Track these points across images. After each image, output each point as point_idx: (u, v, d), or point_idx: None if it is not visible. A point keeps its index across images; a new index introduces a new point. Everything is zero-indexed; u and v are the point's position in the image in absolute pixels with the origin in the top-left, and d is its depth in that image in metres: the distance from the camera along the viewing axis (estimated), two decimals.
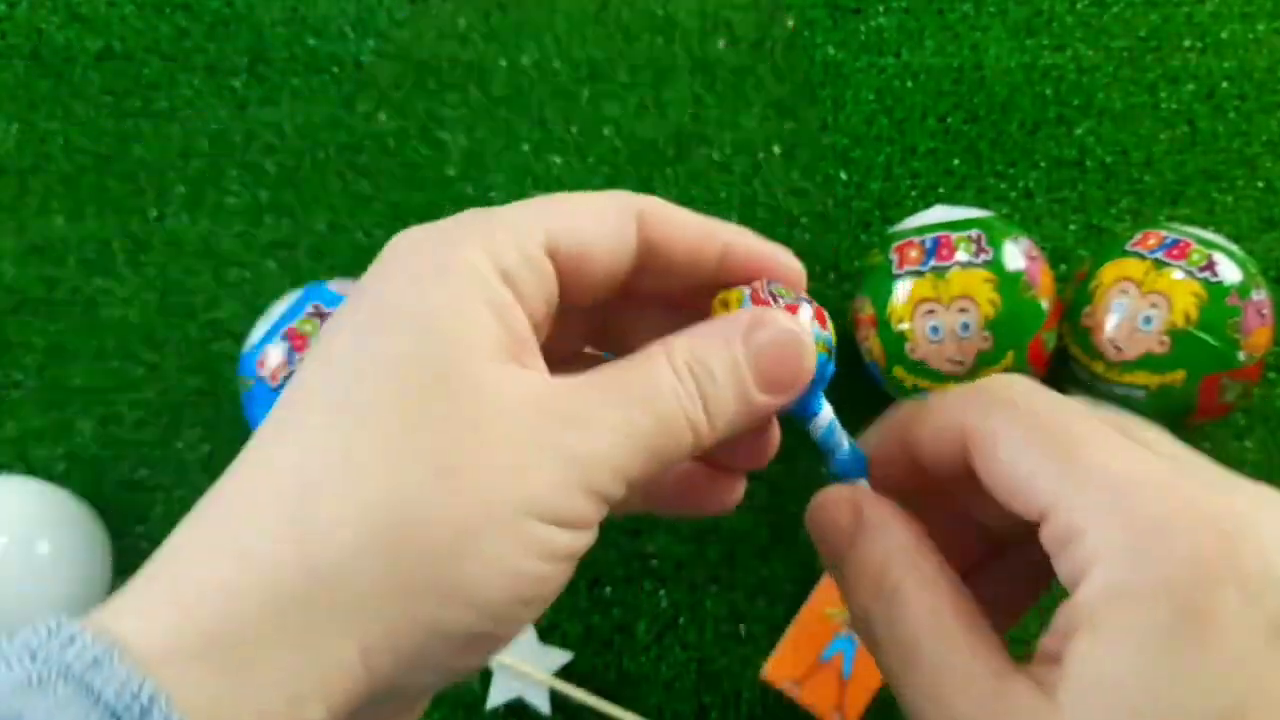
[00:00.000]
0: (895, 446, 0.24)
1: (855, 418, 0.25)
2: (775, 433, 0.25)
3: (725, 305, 0.23)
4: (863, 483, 0.24)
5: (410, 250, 0.21)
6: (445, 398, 0.19)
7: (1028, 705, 0.19)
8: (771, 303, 0.22)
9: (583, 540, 0.20)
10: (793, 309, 0.22)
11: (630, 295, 0.24)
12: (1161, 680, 0.18)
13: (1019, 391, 0.22)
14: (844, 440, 0.24)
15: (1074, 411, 0.21)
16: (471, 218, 0.21)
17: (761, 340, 0.21)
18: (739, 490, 0.26)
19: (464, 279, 0.20)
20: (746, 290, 0.23)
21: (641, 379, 0.21)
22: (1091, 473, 0.19)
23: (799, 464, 0.49)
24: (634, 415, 0.20)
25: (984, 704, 0.19)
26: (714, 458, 0.24)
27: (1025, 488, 0.20)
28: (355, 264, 0.55)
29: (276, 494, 0.18)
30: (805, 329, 0.22)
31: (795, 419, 0.24)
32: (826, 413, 0.24)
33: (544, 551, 0.19)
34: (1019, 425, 0.21)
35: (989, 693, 0.19)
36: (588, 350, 0.26)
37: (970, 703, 0.20)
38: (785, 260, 0.24)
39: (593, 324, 0.26)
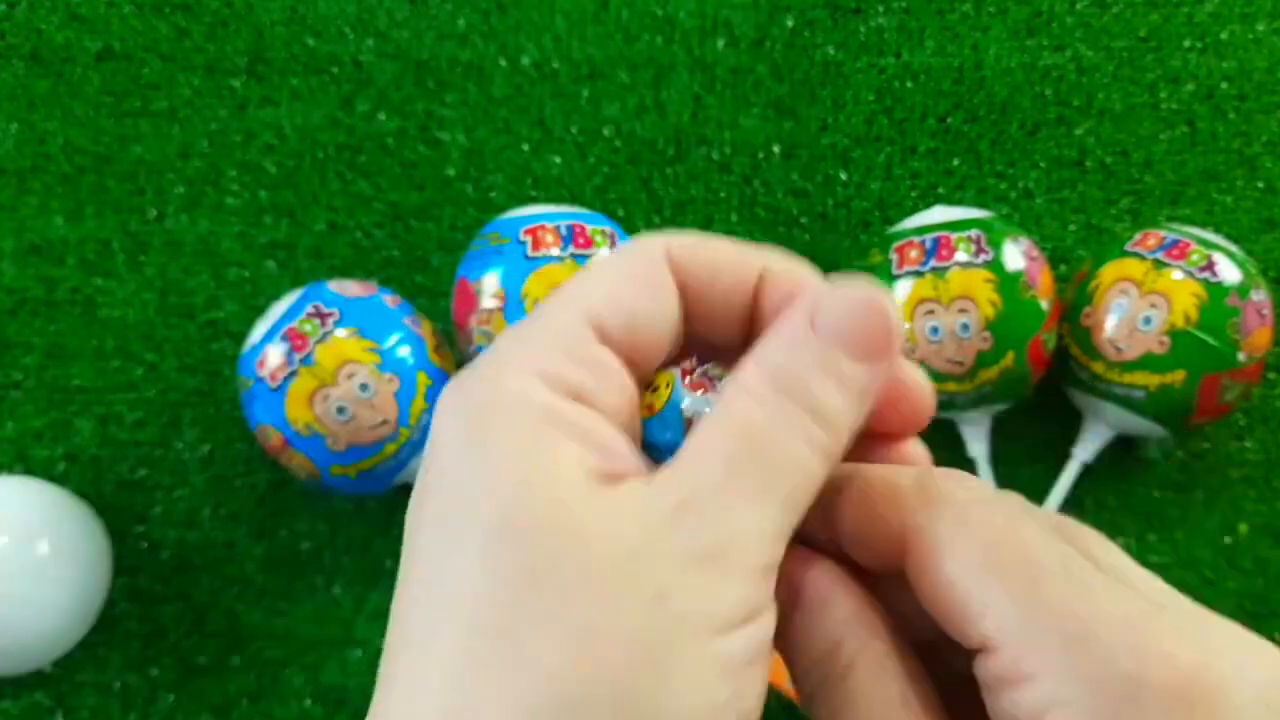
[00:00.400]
0: (815, 512, 0.20)
1: None
2: (915, 379, 0.21)
3: (655, 391, 0.21)
4: None
5: (455, 404, 0.19)
6: (544, 575, 0.17)
7: None
8: (708, 387, 0.20)
9: (761, 631, 0.18)
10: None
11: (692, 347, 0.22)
12: None
13: (974, 498, 0.19)
14: None
15: (1035, 533, 0.19)
16: (507, 341, 0.19)
17: (832, 318, 0.19)
18: (911, 453, 0.22)
19: (521, 413, 0.18)
20: (676, 371, 0.21)
21: (735, 426, 0.18)
22: (1053, 613, 0.17)
23: None
24: (744, 470, 0.18)
25: None
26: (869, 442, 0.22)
27: (969, 612, 0.18)
28: (355, 264, 0.55)
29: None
30: (870, 284, 0.19)
31: None
32: None
33: (726, 667, 0.17)
34: (972, 541, 0.18)
35: None
36: None
37: None
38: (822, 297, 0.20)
39: None
